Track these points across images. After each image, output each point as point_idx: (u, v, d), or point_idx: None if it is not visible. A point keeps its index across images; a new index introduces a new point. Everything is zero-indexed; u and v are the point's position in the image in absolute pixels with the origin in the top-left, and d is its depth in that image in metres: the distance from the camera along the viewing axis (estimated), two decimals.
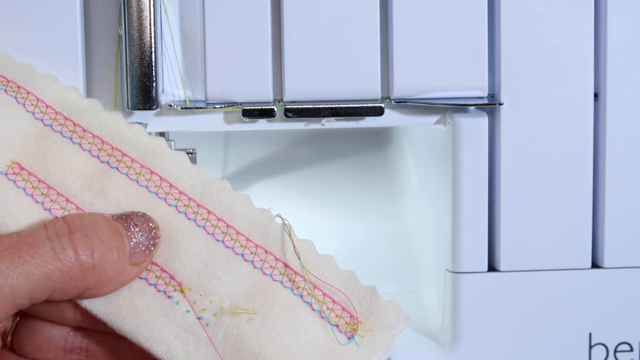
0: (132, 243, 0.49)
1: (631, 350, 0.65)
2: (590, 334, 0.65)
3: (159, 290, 0.51)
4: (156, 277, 0.51)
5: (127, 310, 0.50)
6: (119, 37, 0.60)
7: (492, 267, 0.64)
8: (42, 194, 0.52)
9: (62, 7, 0.58)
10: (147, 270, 0.51)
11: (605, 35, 0.62)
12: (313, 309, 0.52)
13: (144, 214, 0.51)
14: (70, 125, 0.54)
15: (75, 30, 0.59)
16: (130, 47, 0.58)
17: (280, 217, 0.53)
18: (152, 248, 0.50)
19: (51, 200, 0.52)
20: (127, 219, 0.50)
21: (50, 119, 0.54)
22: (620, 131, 0.63)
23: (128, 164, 0.53)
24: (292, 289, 0.52)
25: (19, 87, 0.55)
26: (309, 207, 0.82)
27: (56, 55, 0.58)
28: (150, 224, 0.51)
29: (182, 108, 0.60)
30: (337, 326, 0.52)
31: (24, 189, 0.52)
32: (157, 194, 0.53)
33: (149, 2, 0.57)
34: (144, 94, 0.58)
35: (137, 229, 0.50)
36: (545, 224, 0.63)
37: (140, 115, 0.61)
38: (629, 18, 0.62)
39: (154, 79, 0.58)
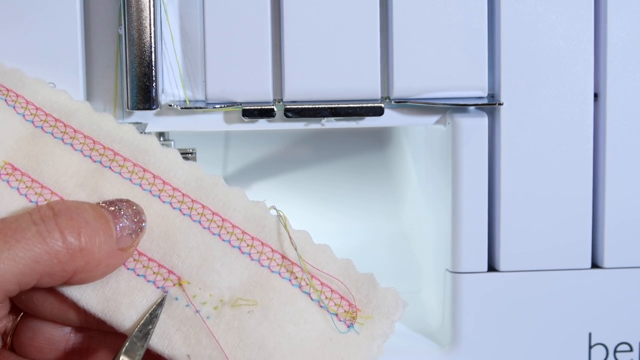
0: (118, 227, 0.49)
1: (631, 350, 0.65)
2: (590, 334, 0.65)
3: (158, 287, 0.51)
4: (154, 273, 0.51)
5: (127, 307, 0.50)
6: (119, 37, 0.60)
7: (492, 267, 0.64)
8: (36, 193, 0.52)
9: (62, 8, 0.58)
10: (144, 267, 0.51)
11: (605, 35, 0.62)
12: (312, 299, 0.52)
13: (128, 200, 0.51)
14: (61, 127, 0.54)
15: (75, 30, 0.59)
16: (130, 47, 0.58)
17: (275, 209, 0.53)
18: (139, 232, 0.50)
19: (45, 199, 0.52)
20: (111, 204, 0.50)
21: (41, 120, 0.54)
22: (620, 131, 0.63)
23: (120, 162, 0.53)
24: (290, 280, 0.52)
25: (8, 90, 0.55)
26: (309, 207, 0.82)
27: (56, 55, 0.58)
28: (135, 209, 0.51)
29: (182, 108, 0.60)
30: (337, 315, 0.52)
31: (17, 188, 0.52)
32: (150, 191, 0.53)
33: (149, 2, 0.57)
34: (144, 94, 0.58)
35: (122, 213, 0.50)
36: (545, 224, 0.63)
37: (140, 115, 0.61)
38: (629, 18, 0.62)
39: (154, 79, 0.58)
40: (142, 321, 0.50)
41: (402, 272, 0.77)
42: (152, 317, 0.50)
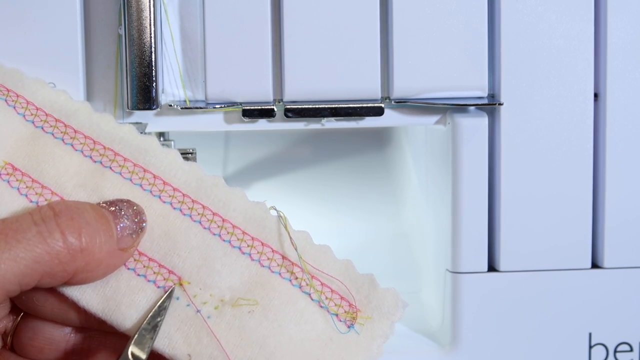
0: (119, 227, 0.49)
1: (631, 350, 0.65)
2: (590, 334, 0.65)
3: (158, 287, 0.51)
4: (154, 273, 0.51)
5: (127, 307, 0.51)
6: (119, 37, 0.60)
7: (492, 267, 0.64)
8: (37, 193, 0.52)
9: (62, 8, 0.58)
10: (145, 267, 0.51)
11: (605, 35, 0.62)
12: (312, 299, 0.52)
13: (128, 200, 0.51)
14: (62, 127, 0.54)
15: (75, 30, 0.59)
16: (130, 47, 0.58)
17: (275, 209, 0.54)
18: (139, 232, 0.50)
19: (45, 199, 0.52)
20: (112, 205, 0.50)
21: (41, 121, 0.54)
22: (620, 131, 0.63)
23: (121, 163, 0.53)
24: (290, 280, 0.52)
25: (8, 90, 0.55)
26: (309, 207, 0.82)
27: (56, 55, 0.58)
28: (135, 209, 0.51)
29: (182, 108, 0.60)
30: (337, 315, 0.52)
31: (18, 188, 0.52)
32: (151, 191, 0.53)
33: (149, 2, 0.57)
34: (144, 94, 0.58)
35: (123, 214, 0.50)
36: (545, 224, 0.63)
37: (140, 115, 0.61)
38: (629, 18, 0.62)
39: (154, 79, 0.58)
40: (151, 313, 0.50)
41: (402, 272, 0.77)
42: (160, 310, 0.50)
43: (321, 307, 0.53)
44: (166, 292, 0.51)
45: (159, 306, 0.50)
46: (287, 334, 0.51)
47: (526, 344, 0.64)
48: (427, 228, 0.72)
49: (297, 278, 0.53)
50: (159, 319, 0.50)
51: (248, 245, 0.53)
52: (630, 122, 0.63)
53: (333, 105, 0.61)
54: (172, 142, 0.65)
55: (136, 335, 0.49)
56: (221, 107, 0.60)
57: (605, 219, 0.64)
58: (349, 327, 0.53)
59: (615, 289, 0.64)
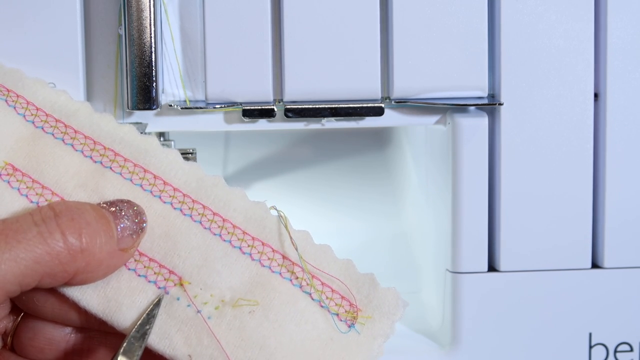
0: (119, 227, 0.49)
1: (631, 350, 0.65)
2: (590, 334, 0.65)
3: (159, 287, 0.51)
4: (155, 273, 0.51)
5: (128, 308, 0.51)
6: (119, 37, 0.60)
7: (492, 267, 0.64)
8: (37, 193, 0.52)
9: (62, 8, 0.58)
10: (145, 267, 0.51)
11: (605, 35, 0.62)
12: (313, 299, 0.52)
13: (128, 200, 0.51)
14: (62, 127, 0.54)
15: (75, 30, 0.59)
16: (130, 47, 0.58)
17: (276, 209, 0.54)
18: (140, 232, 0.50)
19: (46, 200, 0.52)
20: (112, 205, 0.50)
21: (42, 121, 0.54)
22: (620, 131, 0.63)
23: (121, 163, 0.53)
24: (291, 280, 0.52)
25: (8, 90, 0.55)
26: (309, 207, 0.82)
27: (56, 55, 0.58)
28: (136, 209, 0.51)
29: (182, 108, 0.60)
30: (337, 315, 0.52)
31: (18, 189, 0.52)
32: (151, 191, 0.53)
33: (149, 2, 0.57)
34: (144, 94, 0.58)
35: (123, 214, 0.50)
36: (545, 224, 0.63)
37: (140, 115, 0.61)
38: (629, 18, 0.62)
39: (154, 79, 0.58)
40: (140, 321, 0.50)
41: (402, 272, 0.77)
42: (149, 317, 0.50)
43: (322, 306, 0.53)
44: (154, 300, 0.51)
45: (148, 314, 0.50)
46: (288, 334, 0.51)
47: (526, 344, 0.64)
48: (427, 228, 0.72)
49: (297, 278, 0.53)
50: (147, 327, 0.50)
51: (248, 246, 0.53)
52: (630, 122, 0.63)
53: (333, 105, 0.61)
54: (172, 142, 0.65)
55: (125, 344, 0.49)
56: (221, 107, 0.61)
57: (605, 219, 0.64)
58: (349, 326, 0.53)
59: (615, 289, 0.64)
